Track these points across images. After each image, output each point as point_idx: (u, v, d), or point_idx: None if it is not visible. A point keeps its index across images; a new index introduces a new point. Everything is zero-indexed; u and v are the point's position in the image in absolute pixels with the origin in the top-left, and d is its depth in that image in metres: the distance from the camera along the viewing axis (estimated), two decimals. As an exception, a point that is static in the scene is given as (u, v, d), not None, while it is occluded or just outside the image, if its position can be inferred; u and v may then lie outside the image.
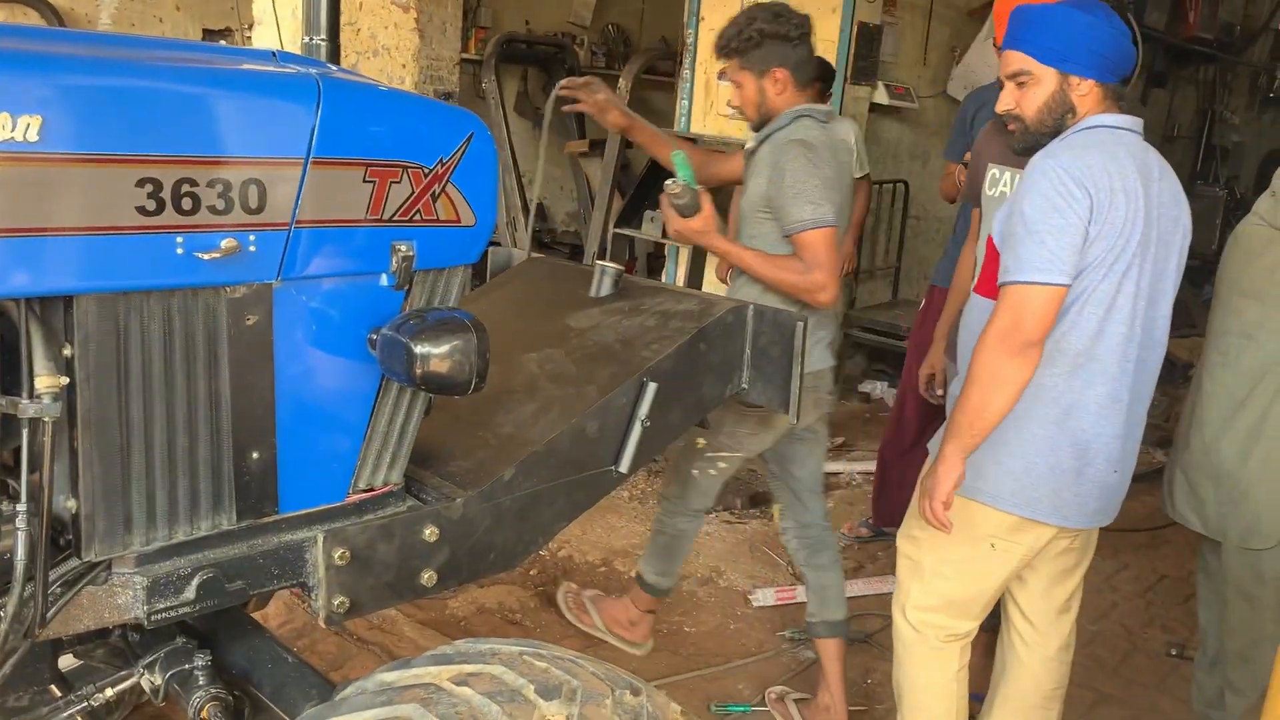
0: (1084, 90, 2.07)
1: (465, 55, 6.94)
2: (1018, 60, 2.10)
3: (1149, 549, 4.09)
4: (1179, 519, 2.60)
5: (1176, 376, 6.20)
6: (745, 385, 2.13)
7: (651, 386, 1.93)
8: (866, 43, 5.26)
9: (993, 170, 2.70)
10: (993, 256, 2.17)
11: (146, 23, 6.44)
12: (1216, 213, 7.92)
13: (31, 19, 5.97)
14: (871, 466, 4.72)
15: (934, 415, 3.66)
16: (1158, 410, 5.77)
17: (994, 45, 2.92)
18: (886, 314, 5.90)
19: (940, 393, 3.05)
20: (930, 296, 3.80)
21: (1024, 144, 2.16)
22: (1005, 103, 2.15)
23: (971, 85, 6.28)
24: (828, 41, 5.21)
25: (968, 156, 3.53)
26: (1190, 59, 8.61)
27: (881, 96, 5.53)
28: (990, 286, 2.13)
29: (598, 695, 1.21)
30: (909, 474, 3.76)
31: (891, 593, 3.47)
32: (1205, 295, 7.38)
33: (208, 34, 6.68)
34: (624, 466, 1.92)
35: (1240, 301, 2.46)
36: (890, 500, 3.87)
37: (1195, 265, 6.73)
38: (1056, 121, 2.10)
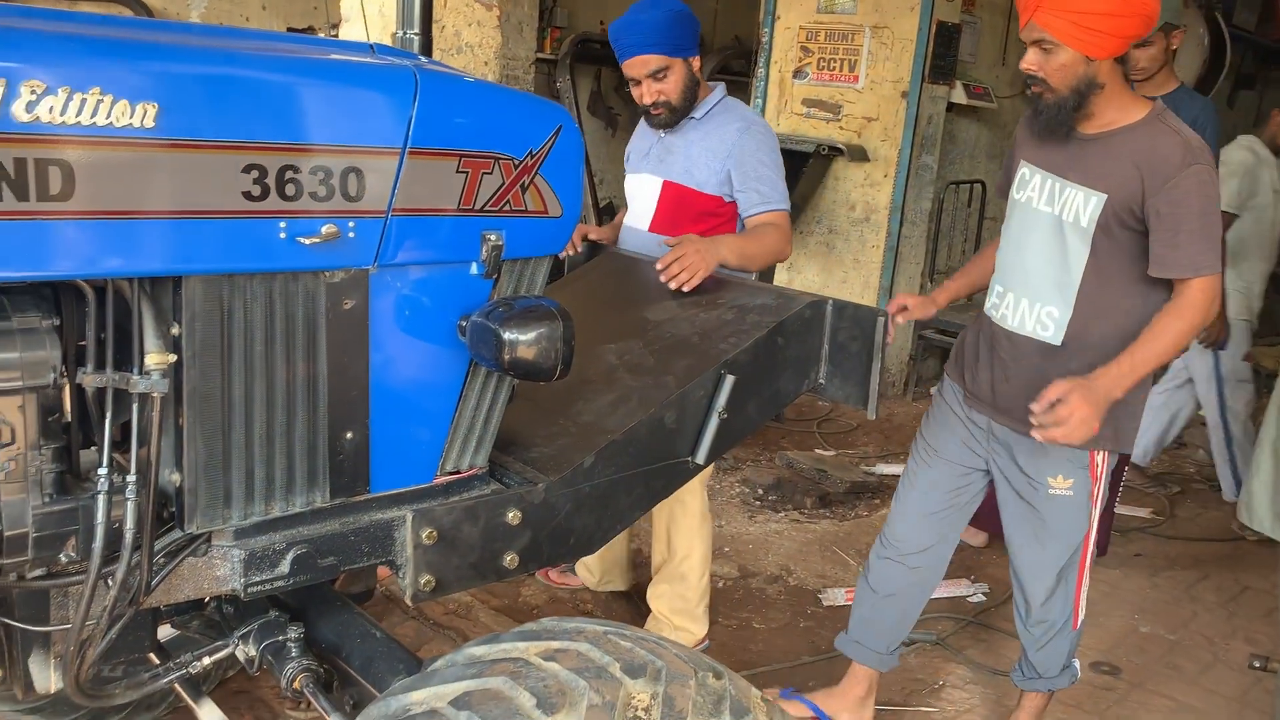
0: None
1: (540, 55, 7.02)
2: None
3: (1232, 559, 3.99)
4: (1256, 526, 2.55)
5: (1261, 385, 6.04)
6: (822, 380, 2.14)
7: (729, 379, 1.94)
8: (945, 42, 5.21)
9: (1023, 170, 2.34)
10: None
11: (233, 22, 6.62)
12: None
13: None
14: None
15: None
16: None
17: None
18: (961, 315, 5.83)
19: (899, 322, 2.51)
20: None
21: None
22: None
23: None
24: (905, 40, 5.17)
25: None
26: (1278, 61, 8.37)
27: (959, 96, 5.48)
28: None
29: (682, 676, 1.23)
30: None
31: (964, 595, 3.45)
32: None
33: (291, 32, 6.84)
34: (700, 458, 1.94)
35: None
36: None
37: (1281, 272, 6.55)
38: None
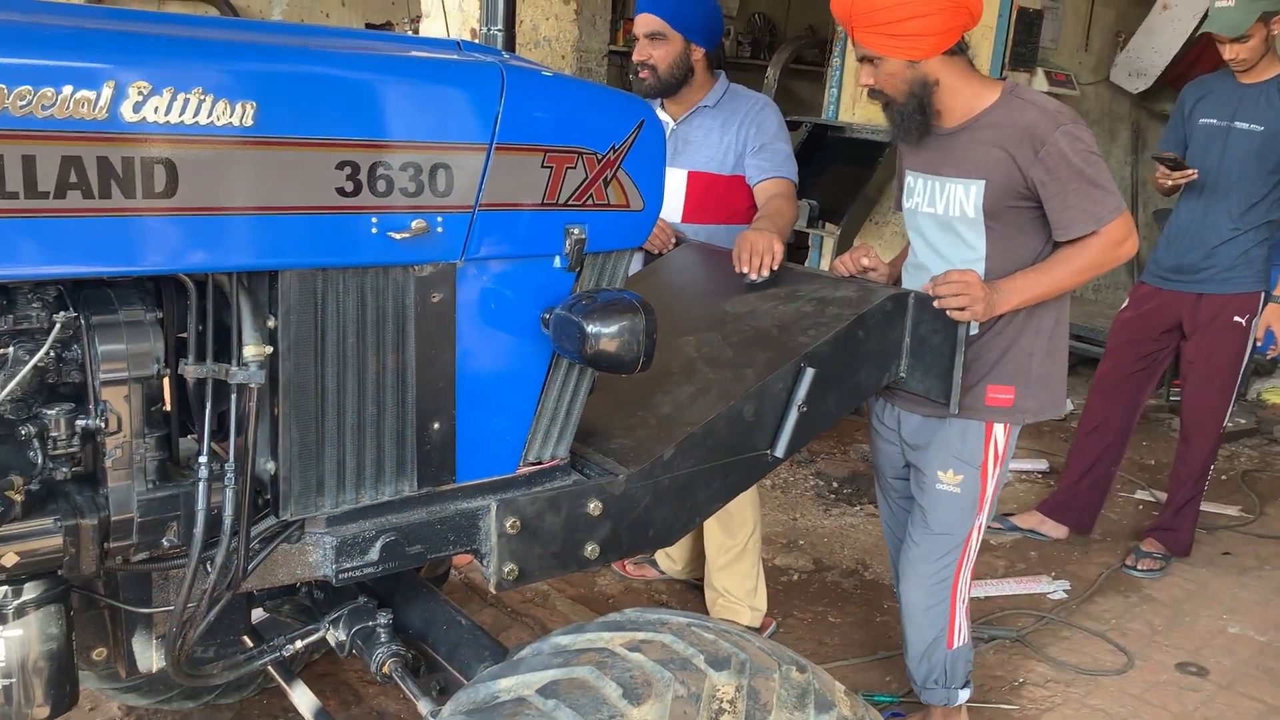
0: None
1: (613, 47, 7.03)
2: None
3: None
4: None
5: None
6: (904, 374, 2.12)
7: (809, 372, 1.94)
8: (1026, 28, 5.11)
9: (908, 179, 2.33)
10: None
11: (314, 18, 6.75)
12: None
13: (210, 15, 6.31)
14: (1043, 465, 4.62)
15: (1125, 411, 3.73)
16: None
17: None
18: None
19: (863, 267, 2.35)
20: (1136, 293, 3.77)
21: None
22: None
23: (1138, 72, 6.04)
24: (986, 27, 5.07)
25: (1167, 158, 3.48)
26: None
27: (1041, 83, 5.37)
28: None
29: (766, 669, 1.23)
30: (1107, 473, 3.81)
31: (1044, 593, 3.40)
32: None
33: (370, 28, 6.95)
34: (780, 451, 1.94)
35: None
36: (1081, 503, 3.86)
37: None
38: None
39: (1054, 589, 3.48)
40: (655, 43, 2.71)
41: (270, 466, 1.45)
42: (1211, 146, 3.45)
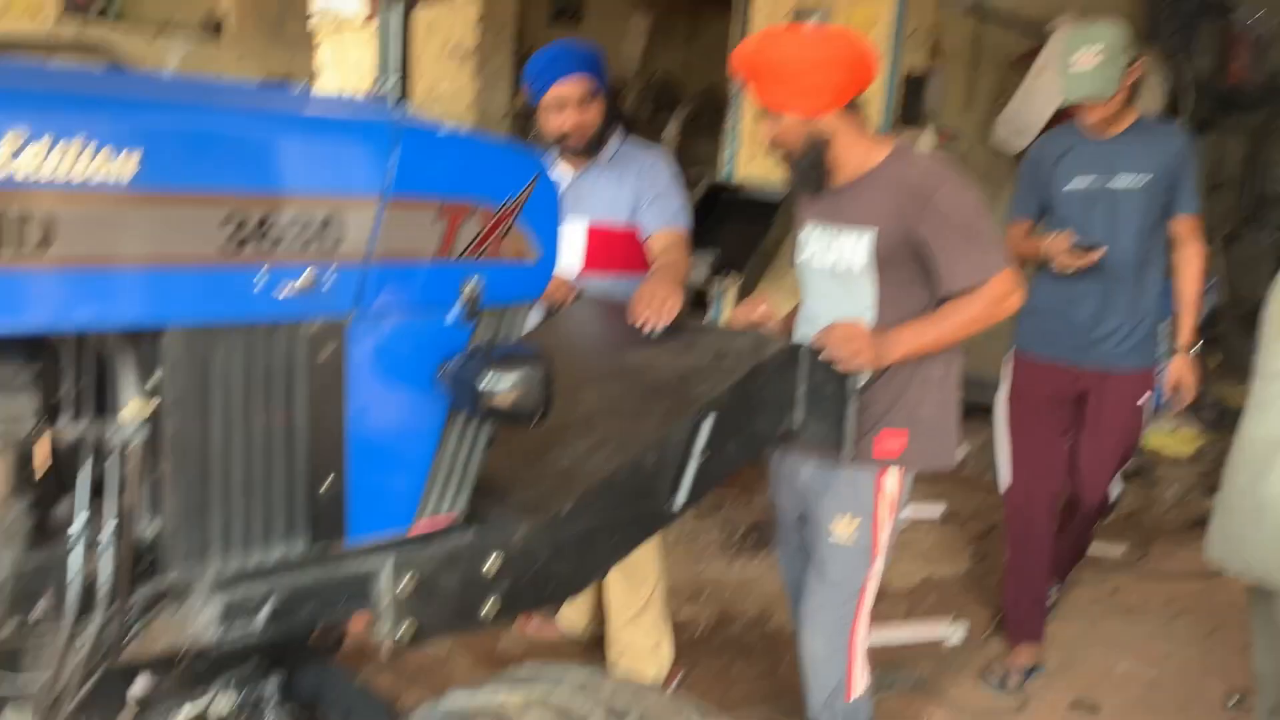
0: None
1: (515, 104, 7.08)
2: None
3: (1205, 596, 4.01)
4: (1217, 562, 2.57)
5: (1229, 423, 6.12)
6: (799, 423, 2.15)
7: (709, 421, 1.96)
8: (913, 90, 5.32)
9: (802, 233, 2.41)
10: None
11: (210, 71, 6.66)
12: (1267, 259, 7.82)
13: (99, 71, 6.18)
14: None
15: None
16: (1207, 458, 5.69)
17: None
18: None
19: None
20: (1017, 364, 3.38)
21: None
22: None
23: (1017, 132, 6.32)
24: (874, 88, 5.26)
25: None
26: (1237, 106, 8.57)
27: (929, 141, 5.57)
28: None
29: (664, 721, 1.23)
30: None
31: (944, 637, 3.45)
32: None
33: (268, 82, 6.88)
34: (680, 501, 1.94)
35: None
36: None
37: (1246, 312, 6.66)
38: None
39: (952, 632, 3.54)
40: (587, 106, 2.73)
41: (152, 529, 1.40)
42: (1090, 212, 3.12)
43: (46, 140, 1.16)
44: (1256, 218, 9.26)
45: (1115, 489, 3.42)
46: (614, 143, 2.88)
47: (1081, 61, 2.97)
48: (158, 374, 1.34)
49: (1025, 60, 6.29)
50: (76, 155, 1.18)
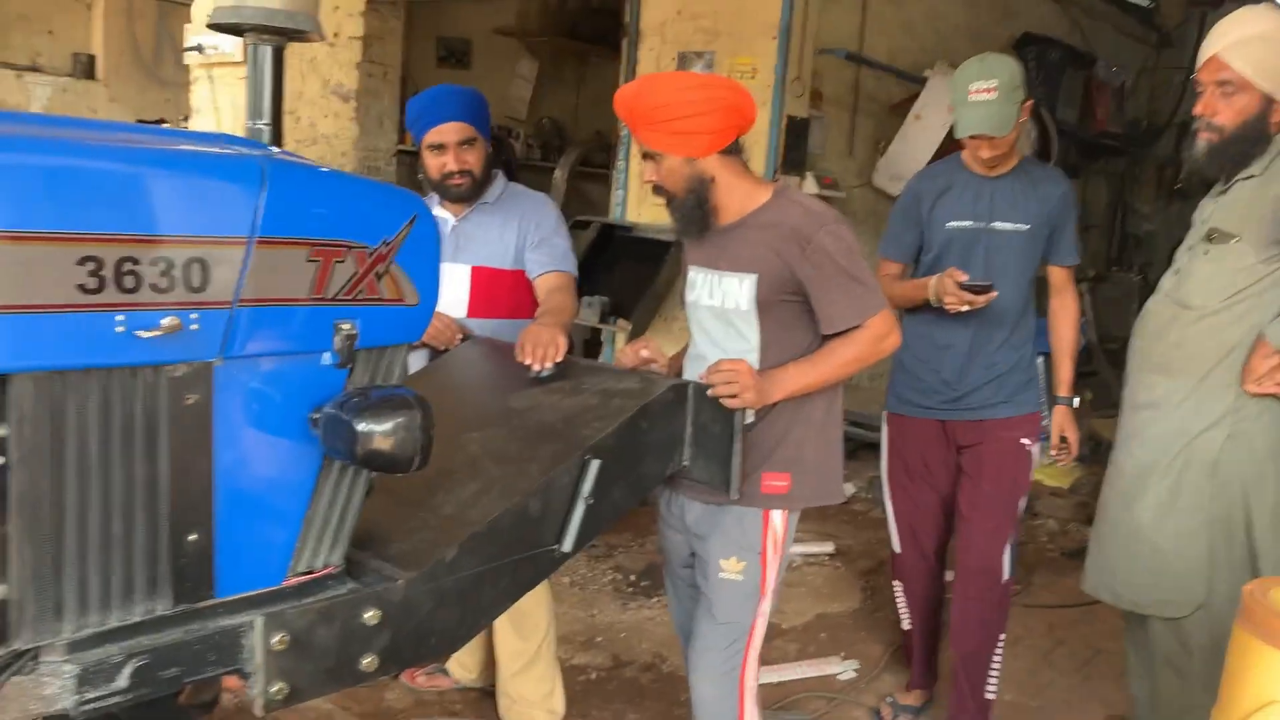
0: None
1: (401, 147, 7.03)
2: None
3: (1084, 624, 4.14)
4: (1090, 592, 2.66)
5: (1102, 455, 6.38)
6: (687, 462, 2.15)
7: (594, 464, 1.94)
8: (795, 135, 5.44)
9: (689, 273, 2.41)
10: None
11: (80, 114, 6.43)
12: (1132, 297, 8.23)
13: (-40, 110, 5.91)
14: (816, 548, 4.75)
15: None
16: (1085, 488, 5.91)
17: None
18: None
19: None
20: (890, 423, 3.24)
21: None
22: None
23: (896, 176, 6.53)
24: (758, 133, 5.38)
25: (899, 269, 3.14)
26: (1101, 153, 9.04)
27: (811, 186, 5.71)
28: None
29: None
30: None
31: (835, 673, 3.48)
32: (1126, 377, 7.63)
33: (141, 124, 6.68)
34: (567, 546, 1.92)
35: (1149, 377, 2.56)
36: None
37: (1115, 348, 6.98)
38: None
39: (844, 669, 3.57)
40: (468, 149, 2.74)
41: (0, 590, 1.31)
42: (970, 252, 2.97)
43: (-121, 177, 1.09)
44: (1121, 259, 9.75)
45: (1007, 560, 3.05)
46: (498, 186, 2.87)
47: (979, 94, 2.84)
48: (6, 424, 1.26)
49: (903, 106, 6.54)
50: (-87, 193, 1.11)
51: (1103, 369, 7.42)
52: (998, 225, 2.98)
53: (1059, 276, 3.10)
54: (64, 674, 1.35)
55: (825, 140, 6.14)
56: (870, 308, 2.21)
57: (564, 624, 3.71)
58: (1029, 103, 2.91)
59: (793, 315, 2.24)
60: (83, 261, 1.26)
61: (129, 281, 1.30)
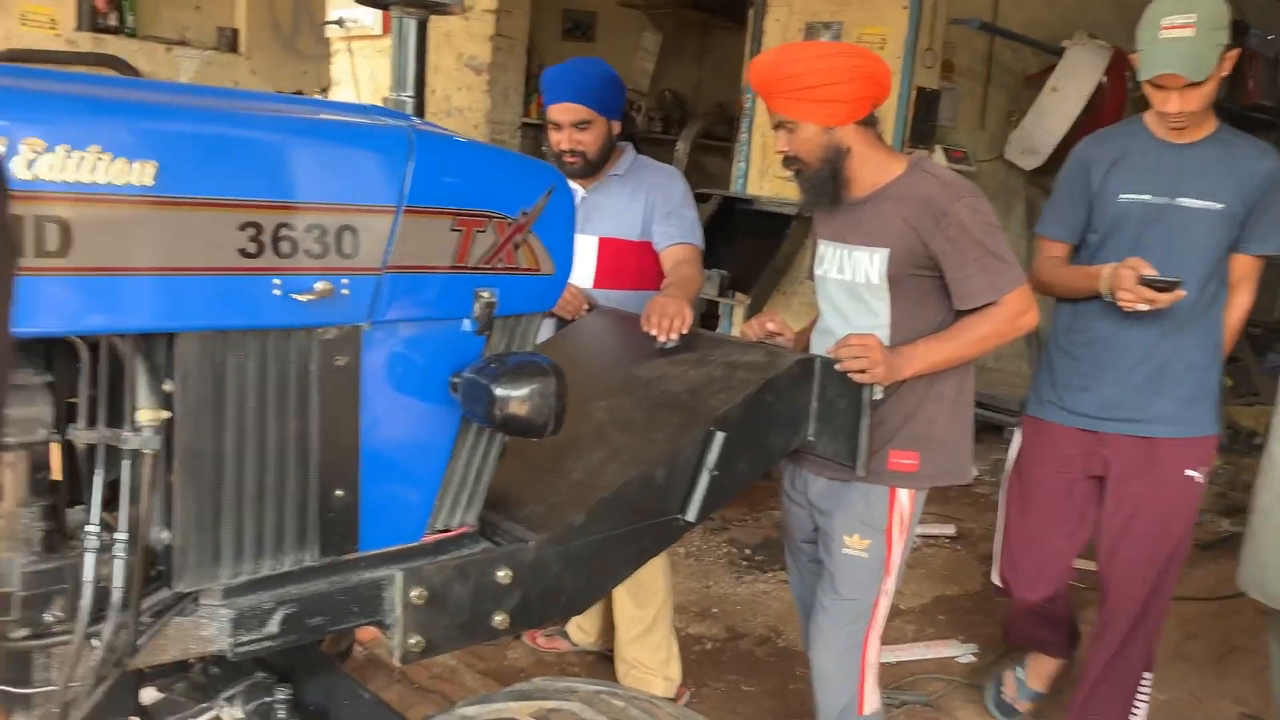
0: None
1: (526, 119, 7.11)
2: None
3: (1220, 618, 3.98)
4: (1242, 586, 2.54)
5: (1241, 445, 6.08)
6: (812, 437, 2.14)
7: (719, 436, 1.94)
8: (925, 107, 5.31)
9: (819, 247, 2.40)
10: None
11: (223, 86, 6.70)
12: (1278, 281, 7.80)
13: (115, 83, 6.22)
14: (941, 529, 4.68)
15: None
16: (1222, 479, 5.66)
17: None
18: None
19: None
20: (1029, 429, 2.80)
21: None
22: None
23: (1030, 150, 6.32)
24: (886, 106, 5.26)
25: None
26: (1253, 126, 8.55)
27: (940, 159, 5.57)
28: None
29: (676, 735, 1.22)
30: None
31: (954, 656, 3.43)
32: (1267, 363, 7.25)
33: (280, 97, 6.92)
34: (691, 515, 1.93)
35: None
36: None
37: (1258, 333, 6.63)
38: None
39: (963, 652, 3.51)
40: (582, 130, 2.76)
41: (164, 536, 1.39)
42: (1147, 233, 2.52)
43: (63, 149, 1.16)
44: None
45: (1156, 617, 2.68)
46: (628, 158, 2.89)
47: (1172, 29, 2.36)
48: (172, 379, 1.34)
49: (1038, 78, 6.31)
50: (94, 162, 1.19)
51: (1244, 354, 7.07)
52: (1184, 202, 2.49)
53: (1243, 266, 2.59)
54: (221, 617, 1.43)
55: (956, 112, 5.98)
56: (1008, 283, 2.15)
57: (679, 594, 3.74)
58: (1234, 52, 2.42)
59: (925, 290, 2.21)
60: (243, 227, 1.32)
61: (285, 247, 1.36)
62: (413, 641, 1.57)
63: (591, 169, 2.82)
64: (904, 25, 5.09)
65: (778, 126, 2.24)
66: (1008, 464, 2.84)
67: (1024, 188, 6.82)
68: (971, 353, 2.21)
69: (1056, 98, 6.10)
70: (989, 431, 5.69)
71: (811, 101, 2.15)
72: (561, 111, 2.76)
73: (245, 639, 1.44)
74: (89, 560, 1.29)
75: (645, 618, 2.92)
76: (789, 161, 2.26)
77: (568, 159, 2.79)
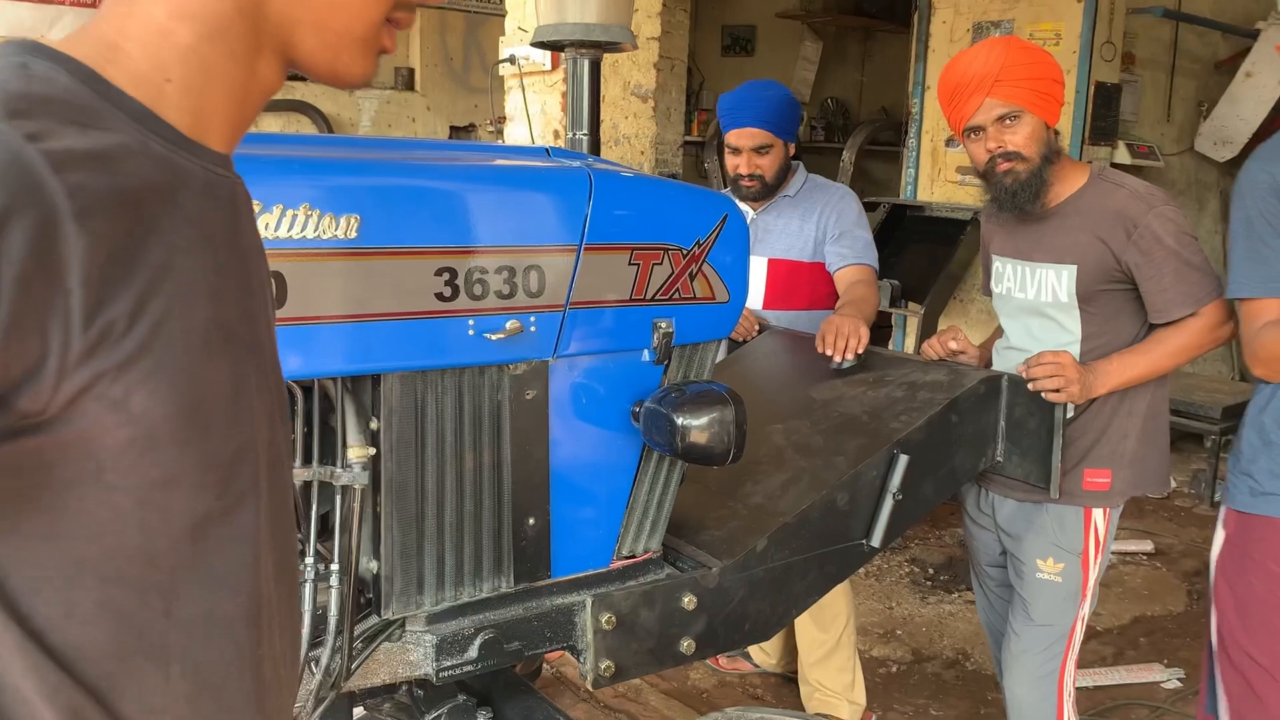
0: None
1: (688, 138, 7.17)
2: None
3: None
4: None
5: None
6: (1000, 458, 2.08)
7: (903, 459, 1.91)
8: (1105, 102, 5.09)
9: (995, 264, 2.31)
10: None
11: (400, 122, 7.04)
12: None
13: (303, 124, 6.63)
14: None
15: None
16: None
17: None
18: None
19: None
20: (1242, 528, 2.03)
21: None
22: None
23: (1224, 140, 5.95)
24: (1064, 102, 5.06)
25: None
26: None
27: (1123, 156, 5.31)
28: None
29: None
30: None
31: (1158, 681, 3.25)
32: None
33: (454, 130, 7.22)
34: (876, 540, 1.91)
35: None
36: None
37: None
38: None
39: (1167, 678, 3.32)
40: (763, 154, 2.78)
41: (372, 566, 1.48)
42: None
43: (278, 208, 1.26)
44: None
45: None
46: (799, 178, 2.88)
47: None
48: (378, 418, 1.42)
49: (1229, 64, 5.94)
50: (305, 219, 1.27)
51: None
52: None
53: None
54: (425, 643, 1.51)
55: (1139, 105, 5.69)
56: (1206, 294, 2.04)
57: (862, 615, 3.68)
58: None
59: (1118, 305, 2.11)
60: (439, 273, 1.39)
61: (478, 289, 1.42)
62: (604, 666, 1.61)
63: (769, 192, 2.83)
64: (1079, 19, 4.89)
65: (995, 121, 2.08)
66: (1212, 570, 2.14)
67: (1218, 180, 6.43)
68: (1168, 366, 2.10)
69: (1252, 83, 5.73)
70: (1187, 440, 5.37)
71: (1040, 94, 2.07)
72: (742, 137, 2.76)
73: (448, 664, 1.51)
74: (306, 589, 1.38)
75: (828, 640, 2.89)
76: (1003, 158, 2.10)
77: (745, 183, 2.80)
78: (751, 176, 2.78)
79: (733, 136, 2.78)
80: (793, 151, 2.85)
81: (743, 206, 2.88)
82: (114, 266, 0.60)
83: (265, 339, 0.77)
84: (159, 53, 0.69)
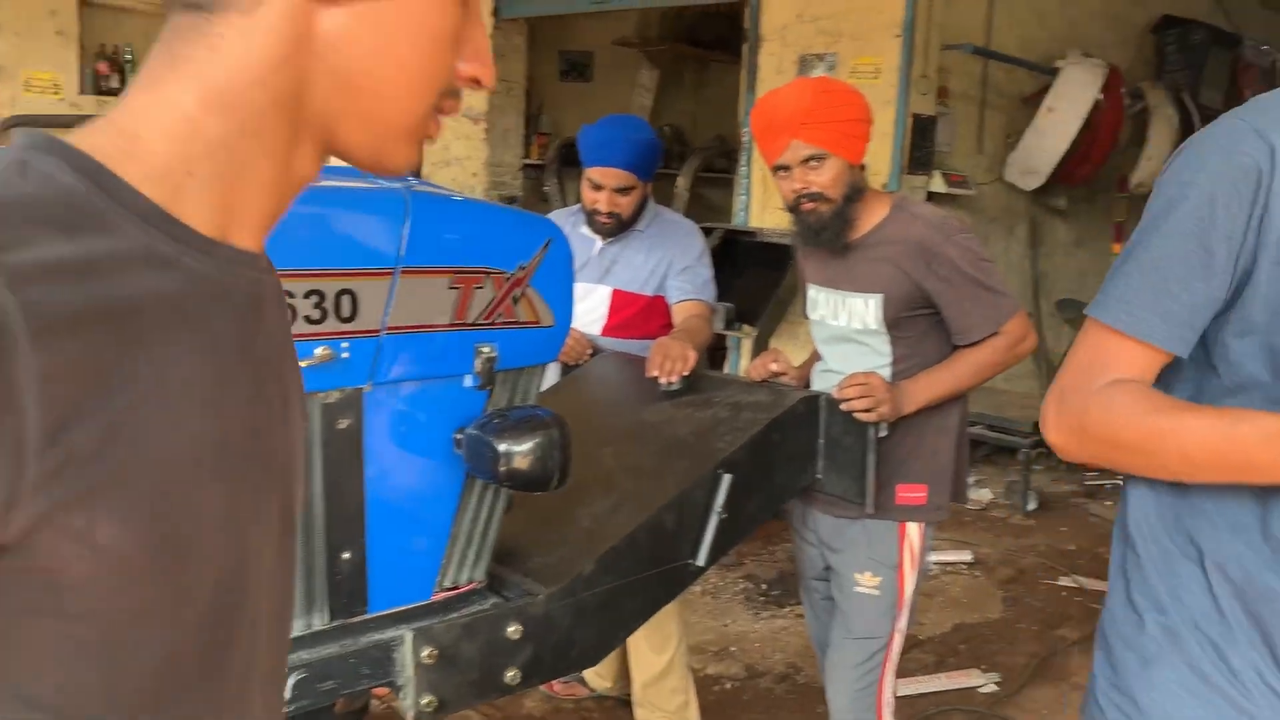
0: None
1: (527, 160, 7.16)
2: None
3: None
4: None
5: None
6: (820, 475, 2.14)
7: (726, 478, 1.94)
8: (921, 133, 5.34)
9: (810, 292, 2.39)
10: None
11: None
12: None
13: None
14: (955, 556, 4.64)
15: None
16: None
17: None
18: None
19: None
20: None
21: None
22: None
23: (1030, 170, 6.33)
24: (883, 134, 5.29)
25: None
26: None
27: (939, 185, 5.59)
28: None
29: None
30: None
31: (975, 686, 3.40)
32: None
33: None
34: (701, 559, 1.93)
35: None
36: None
37: None
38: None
39: (984, 682, 3.48)
40: (624, 194, 2.78)
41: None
42: None
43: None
44: None
45: None
46: (649, 213, 2.91)
47: None
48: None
49: (1035, 99, 6.33)
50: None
51: None
52: None
53: None
54: (232, 686, 1.43)
55: (953, 137, 6.00)
56: (1004, 314, 2.16)
57: (697, 633, 3.72)
58: None
59: (924, 329, 2.21)
60: (243, 296, 1.33)
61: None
62: (425, 701, 1.56)
63: (623, 229, 2.84)
64: (897, 54, 5.12)
65: (800, 163, 2.15)
66: None
67: (1026, 208, 6.83)
68: (973, 383, 2.21)
69: (1054, 118, 6.13)
70: (1002, 454, 5.67)
71: (845, 135, 2.14)
72: (606, 175, 2.75)
73: (257, 707, 1.43)
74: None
75: (660, 662, 2.90)
76: (807, 199, 2.18)
77: (602, 219, 2.80)
78: (610, 215, 2.79)
79: (596, 173, 2.77)
80: (649, 190, 2.87)
81: (591, 235, 2.88)
82: (83, 384, 0.53)
83: (278, 453, 0.70)
84: (184, 146, 0.62)
